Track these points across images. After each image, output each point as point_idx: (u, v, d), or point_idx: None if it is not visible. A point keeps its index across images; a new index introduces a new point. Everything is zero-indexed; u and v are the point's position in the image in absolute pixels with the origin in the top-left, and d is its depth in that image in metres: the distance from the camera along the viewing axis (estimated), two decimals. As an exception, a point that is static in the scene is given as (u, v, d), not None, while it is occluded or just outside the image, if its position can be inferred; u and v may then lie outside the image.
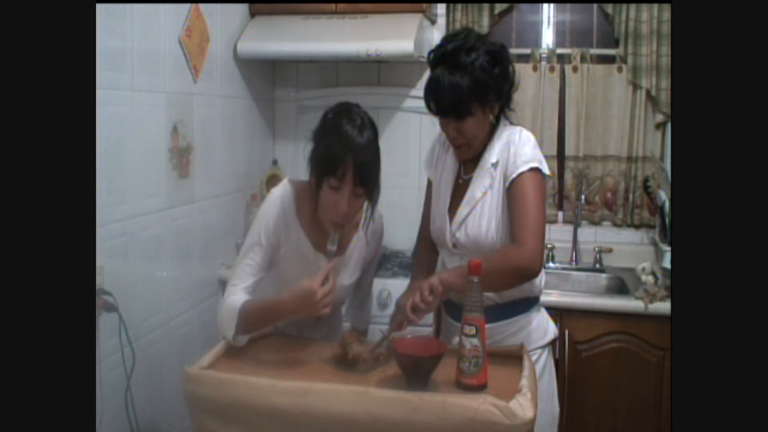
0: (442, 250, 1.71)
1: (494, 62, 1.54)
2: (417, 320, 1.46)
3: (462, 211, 1.59)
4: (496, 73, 1.54)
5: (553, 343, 1.72)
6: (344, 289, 1.65)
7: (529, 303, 1.66)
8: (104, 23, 1.75)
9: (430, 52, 1.59)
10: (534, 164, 1.53)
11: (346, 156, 1.43)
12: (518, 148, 1.55)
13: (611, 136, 2.80)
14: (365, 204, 1.54)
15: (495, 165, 1.58)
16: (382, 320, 2.34)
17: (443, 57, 1.54)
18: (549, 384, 1.68)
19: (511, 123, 1.65)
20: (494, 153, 1.59)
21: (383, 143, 2.94)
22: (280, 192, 1.59)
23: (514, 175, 1.53)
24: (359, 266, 1.68)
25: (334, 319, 1.76)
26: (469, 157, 1.62)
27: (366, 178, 1.46)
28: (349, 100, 2.95)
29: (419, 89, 2.89)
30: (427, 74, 2.87)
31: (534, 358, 1.61)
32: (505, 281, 1.53)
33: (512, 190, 1.54)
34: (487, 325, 1.51)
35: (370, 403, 1.23)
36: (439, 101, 1.54)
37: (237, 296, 1.51)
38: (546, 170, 1.56)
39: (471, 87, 1.51)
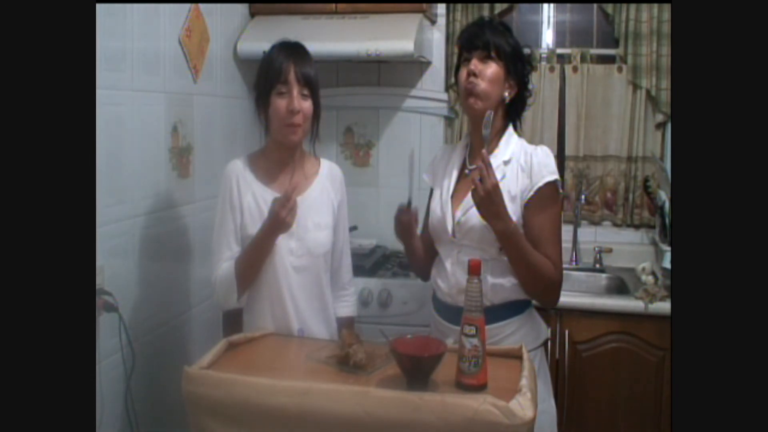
0: (440, 246, 1.71)
1: (521, 49, 1.70)
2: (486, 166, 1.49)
3: (471, 197, 1.59)
4: (521, 54, 1.68)
5: (545, 344, 1.73)
6: (317, 229, 1.72)
7: (523, 305, 1.67)
8: (104, 23, 1.75)
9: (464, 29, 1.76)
10: (557, 176, 1.61)
11: (287, 62, 1.64)
12: (541, 158, 1.62)
13: (611, 136, 2.80)
14: (311, 117, 1.68)
15: (507, 162, 1.63)
16: (383, 320, 2.34)
17: (481, 20, 1.73)
18: (545, 384, 1.69)
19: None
20: (507, 152, 1.66)
21: (383, 143, 2.97)
22: (231, 163, 1.75)
23: (541, 183, 1.59)
24: (326, 209, 1.77)
25: (323, 296, 1.78)
26: (479, 111, 1.63)
27: (308, 78, 1.66)
28: (349, 100, 2.96)
29: (419, 89, 2.90)
30: (428, 73, 2.85)
31: None
32: (533, 285, 1.61)
33: (537, 200, 1.59)
34: None
35: (370, 403, 1.23)
36: (477, 33, 1.65)
37: (225, 266, 1.69)
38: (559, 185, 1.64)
39: (505, 41, 1.65)
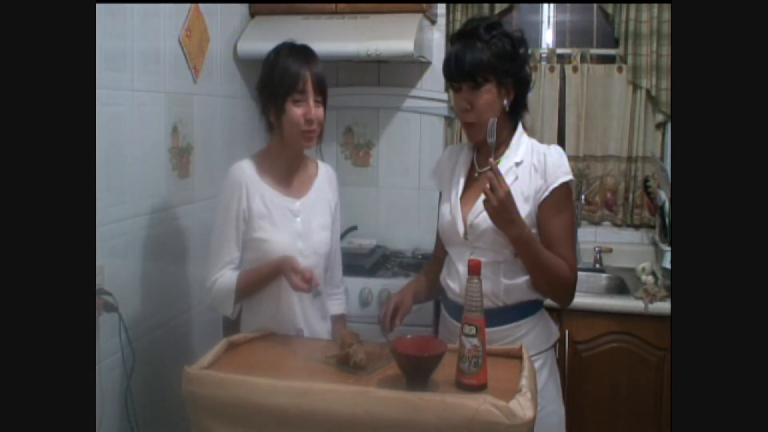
0: (451, 248, 1.69)
1: (512, 44, 1.60)
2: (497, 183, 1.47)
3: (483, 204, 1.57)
4: (512, 52, 1.59)
5: (555, 345, 1.72)
6: (320, 229, 1.76)
7: (535, 306, 1.66)
8: (104, 23, 1.75)
9: (452, 35, 1.70)
10: (571, 176, 1.60)
11: (303, 69, 1.63)
12: (555, 159, 1.60)
13: (611, 136, 2.80)
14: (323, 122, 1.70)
15: (519, 164, 1.61)
16: (382, 320, 2.34)
17: (463, 33, 1.62)
18: (555, 386, 1.68)
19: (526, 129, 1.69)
20: (518, 154, 1.63)
21: (383, 143, 2.96)
22: (238, 168, 1.72)
23: (556, 184, 1.57)
24: (326, 210, 1.80)
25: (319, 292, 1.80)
26: (480, 139, 1.62)
27: (323, 86, 1.67)
28: (349, 100, 2.95)
29: (419, 89, 2.90)
30: (428, 73, 2.87)
31: (539, 362, 1.61)
32: (548, 287, 1.61)
33: (552, 201, 1.58)
34: (492, 328, 1.51)
35: (370, 403, 1.23)
36: (458, 66, 1.58)
37: (227, 275, 1.68)
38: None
39: (488, 58, 1.57)
